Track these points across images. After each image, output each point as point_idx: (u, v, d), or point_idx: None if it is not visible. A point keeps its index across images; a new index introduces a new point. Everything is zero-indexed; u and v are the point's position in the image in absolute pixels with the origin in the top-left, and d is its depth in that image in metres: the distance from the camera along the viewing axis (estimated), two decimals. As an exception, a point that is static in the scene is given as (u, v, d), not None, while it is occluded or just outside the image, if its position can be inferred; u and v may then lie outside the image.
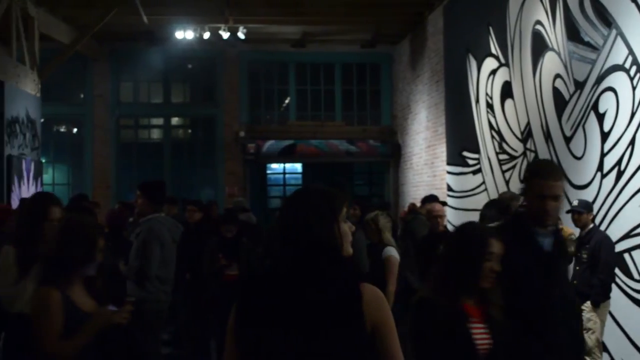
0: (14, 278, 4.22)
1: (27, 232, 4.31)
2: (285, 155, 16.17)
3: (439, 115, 12.87)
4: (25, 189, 11.30)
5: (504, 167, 9.95)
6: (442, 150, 12.65)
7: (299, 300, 2.30)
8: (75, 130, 16.76)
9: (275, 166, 17.72)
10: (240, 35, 13.60)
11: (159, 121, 16.91)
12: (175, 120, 17.13)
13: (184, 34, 13.80)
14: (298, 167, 17.88)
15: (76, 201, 8.04)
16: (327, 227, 2.41)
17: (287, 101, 16.88)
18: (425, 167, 13.90)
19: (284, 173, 17.86)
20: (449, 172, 12.21)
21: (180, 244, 6.53)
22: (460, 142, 11.71)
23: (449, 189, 12.07)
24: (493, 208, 6.77)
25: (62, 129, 16.94)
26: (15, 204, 10.34)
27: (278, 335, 2.29)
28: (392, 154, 16.13)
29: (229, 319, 2.43)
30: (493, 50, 10.35)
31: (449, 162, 12.20)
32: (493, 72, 10.38)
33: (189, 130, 17.46)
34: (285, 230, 2.45)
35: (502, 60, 10.03)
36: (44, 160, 13.74)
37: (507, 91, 9.86)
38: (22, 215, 4.75)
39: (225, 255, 7.66)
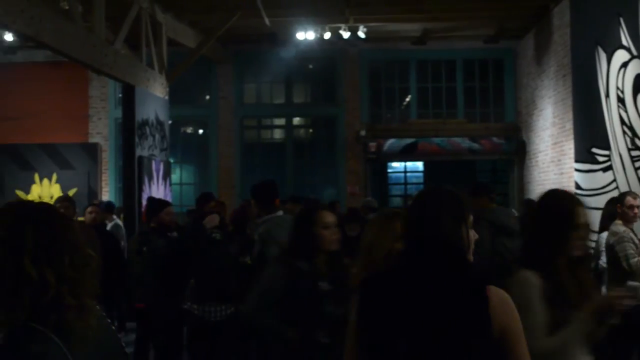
0: None
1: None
2: (406, 154, 16.06)
3: (566, 111, 12.42)
4: (155, 189, 11.72)
5: (637, 164, 9.48)
6: (569, 147, 12.21)
7: (424, 302, 2.26)
8: (201, 131, 17.26)
9: (397, 165, 17.64)
10: (361, 34, 13.62)
11: (281, 121, 17.16)
12: (297, 120, 17.33)
13: (305, 35, 13.94)
14: (419, 165, 17.73)
15: (203, 199, 8.24)
16: (457, 228, 2.39)
17: (408, 99, 16.75)
18: (552, 165, 13.47)
19: (405, 172, 17.75)
20: (577, 170, 11.76)
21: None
22: (589, 138, 11.26)
23: (577, 187, 11.62)
24: (612, 205, 6.57)
25: (189, 130, 17.48)
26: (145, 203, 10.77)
27: (401, 337, 2.25)
28: (516, 152, 15.72)
29: (350, 315, 2.42)
30: (624, 42, 9.88)
31: (577, 160, 11.75)
32: (624, 65, 9.90)
33: (311, 130, 17.62)
34: (414, 228, 2.44)
35: (634, 52, 9.55)
36: (172, 161, 14.23)
37: (639, 85, 9.39)
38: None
39: (348, 254, 7.66)
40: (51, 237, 1.90)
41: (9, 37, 13.58)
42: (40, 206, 2.03)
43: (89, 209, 8.52)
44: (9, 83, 16.45)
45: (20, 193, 15.34)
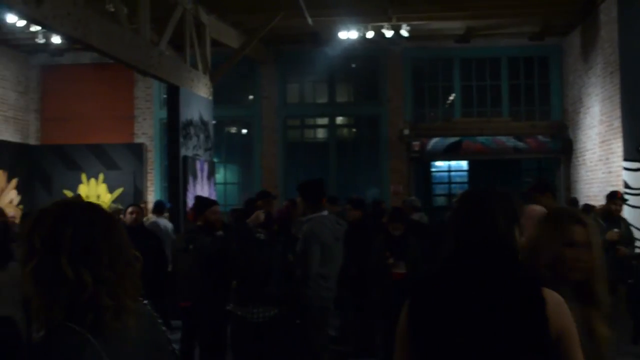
0: None
1: None
2: (450, 153, 15.93)
3: (614, 109, 12.20)
4: (200, 188, 11.82)
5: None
6: (618, 145, 11.99)
7: (480, 306, 2.22)
8: (244, 131, 17.34)
9: (440, 164, 17.51)
10: (404, 32, 13.56)
11: (324, 121, 17.17)
12: (340, 120, 17.32)
13: (348, 34, 13.92)
14: (464, 164, 17.57)
15: (260, 197, 8.32)
16: (511, 229, 2.36)
17: (451, 98, 16.62)
18: (600, 164, 13.24)
19: (449, 171, 17.61)
20: (625, 169, 11.54)
21: (345, 241, 6.58)
22: (639, 136, 11.05)
23: (626, 186, 11.41)
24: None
25: (233, 130, 17.58)
26: (191, 202, 10.85)
27: (458, 342, 2.21)
28: (562, 150, 15.49)
29: (400, 320, 2.37)
30: (674, 38, 9.67)
31: (626, 158, 11.53)
32: (674, 61, 9.69)
33: (354, 129, 17.59)
34: (465, 229, 2.39)
35: (684, 48, 9.35)
36: (216, 161, 14.33)
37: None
38: None
39: (392, 254, 7.64)
40: (91, 237, 1.90)
41: (56, 39, 13.82)
42: (84, 206, 2.02)
43: (130, 209, 8.43)
44: (56, 85, 16.77)
45: (67, 193, 15.59)
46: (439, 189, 17.61)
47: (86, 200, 2.12)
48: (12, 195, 15.34)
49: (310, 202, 6.29)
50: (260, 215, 6.60)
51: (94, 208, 2.03)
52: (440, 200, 16.90)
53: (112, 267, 1.90)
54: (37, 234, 1.90)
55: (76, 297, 1.85)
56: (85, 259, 1.87)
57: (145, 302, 2.16)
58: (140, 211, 8.20)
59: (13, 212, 13.40)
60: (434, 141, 15.77)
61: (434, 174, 17.67)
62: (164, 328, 2.21)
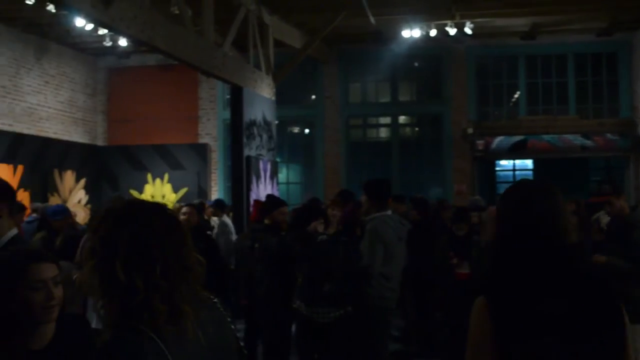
0: None
1: None
2: (515, 152, 15.68)
3: (686, 105, 11.84)
4: (263, 188, 11.89)
5: None
6: (690, 143, 11.63)
7: (566, 303, 2.17)
8: (307, 131, 17.40)
9: (505, 163, 17.26)
10: (467, 30, 13.42)
11: (386, 120, 17.10)
12: (402, 119, 17.23)
13: (411, 33, 13.84)
14: (529, 163, 17.29)
15: (344, 197, 8.32)
16: (568, 224, 2.32)
17: (516, 95, 16.36)
18: (671, 162, 12.86)
19: (514, 170, 17.34)
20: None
21: (409, 241, 6.53)
22: None
23: (699, 184, 11.07)
24: None
25: (295, 130, 17.65)
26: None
27: (551, 342, 2.15)
28: (632, 148, 15.08)
29: (475, 322, 2.28)
30: None
31: (699, 156, 11.18)
32: None
33: (416, 128, 17.47)
34: (529, 227, 2.33)
35: None
36: (279, 160, 14.41)
37: None
38: None
39: (456, 254, 7.57)
40: (147, 243, 1.90)
41: (123, 42, 14.10)
42: (147, 209, 2.01)
43: (183, 209, 7.90)
44: (123, 86, 17.12)
45: (134, 192, 15.90)
46: (504, 189, 17.28)
47: (152, 200, 2.12)
48: (80, 195, 15.72)
49: (376, 201, 6.26)
50: (319, 226, 6.59)
51: (157, 211, 2.02)
52: (505, 200, 16.63)
53: (166, 274, 1.90)
54: (98, 235, 1.93)
55: (129, 300, 1.86)
56: (138, 265, 1.87)
57: (215, 300, 2.17)
58: (194, 212, 7.84)
59: (82, 211, 13.73)
60: (498, 140, 15.54)
61: (498, 173, 17.43)
62: (233, 327, 2.21)
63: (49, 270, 2.64)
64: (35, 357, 2.63)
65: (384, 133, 17.43)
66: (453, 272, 7.55)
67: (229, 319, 2.20)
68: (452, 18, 13.17)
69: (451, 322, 8.04)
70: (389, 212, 6.40)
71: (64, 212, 8.13)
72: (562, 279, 2.22)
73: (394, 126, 16.96)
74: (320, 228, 6.62)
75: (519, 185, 2.57)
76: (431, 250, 7.88)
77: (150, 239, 1.91)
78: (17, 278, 2.60)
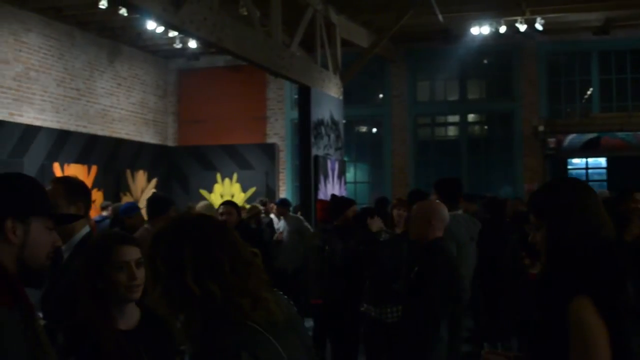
0: None
1: None
2: (588, 149, 15.30)
3: None
4: (330, 187, 11.91)
5: None
6: None
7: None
8: (374, 130, 17.35)
9: (577, 161, 16.87)
10: (538, 26, 13.16)
11: (455, 118, 16.93)
12: (471, 117, 17.03)
13: (480, 30, 13.66)
14: (602, 161, 16.86)
15: (415, 196, 8.24)
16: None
17: (589, 92, 15.97)
18: None
19: (587, 168, 16.94)
20: None
21: (479, 240, 6.44)
22: None
23: None
24: None
25: (363, 129, 17.62)
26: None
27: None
28: None
29: (590, 327, 2.28)
30: None
31: None
32: None
33: (486, 127, 17.25)
34: (598, 227, 2.45)
35: None
36: (346, 160, 14.40)
37: None
38: None
39: (528, 254, 7.42)
40: (209, 250, 1.96)
41: (192, 44, 14.31)
42: (196, 220, 2.09)
43: (221, 209, 7.38)
44: (193, 88, 17.37)
45: (203, 192, 16.12)
46: (576, 188, 16.96)
47: (207, 206, 2.20)
48: (152, 195, 16.01)
49: (447, 200, 6.19)
50: (374, 225, 6.54)
51: (205, 220, 2.10)
52: (578, 199, 16.26)
53: (235, 271, 1.96)
54: (158, 257, 1.98)
55: (210, 306, 1.91)
56: (209, 272, 1.93)
57: (282, 294, 2.21)
58: (233, 212, 7.22)
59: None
60: (570, 137, 15.20)
61: (570, 171, 17.04)
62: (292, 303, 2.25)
63: (132, 253, 2.88)
64: (123, 336, 2.80)
65: (452, 131, 17.26)
66: (525, 272, 7.40)
67: (292, 305, 2.24)
68: (522, 14, 12.95)
69: (523, 324, 7.90)
70: (460, 212, 6.32)
71: (135, 209, 8.28)
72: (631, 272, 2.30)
73: (462, 124, 16.77)
74: (375, 227, 6.58)
75: (575, 184, 2.64)
76: (502, 251, 7.74)
77: (210, 246, 1.97)
78: (103, 258, 2.85)
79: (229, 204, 7.32)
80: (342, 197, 8.35)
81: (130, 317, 2.90)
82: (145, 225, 6.52)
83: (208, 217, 2.13)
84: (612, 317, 2.27)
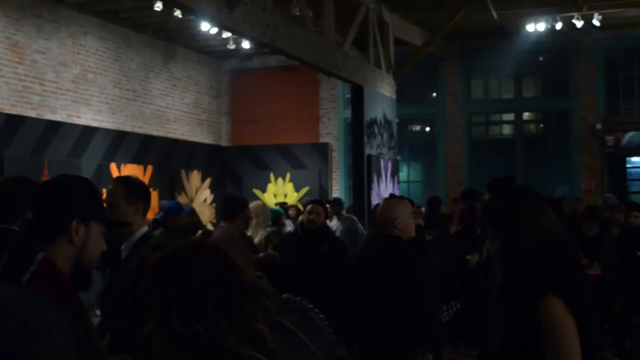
0: None
1: None
2: (647, 147, 14.99)
3: None
4: (384, 187, 11.87)
5: None
6: None
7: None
8: (428, 129, 17.25)
9: (636, 159, 16.51)
10: (595, 22, 12.90)
11: (510, 117, 16.72)
12: (526, 115, 16.79)
13: (535, 27, 13.46)
14: (662, 160, 16.49)
15: (467, 196, 8.17)
16: None
17: (648, 89, 15.63)
18: None
19: (646, 166, 16.59)
20: None
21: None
22: None
23: None
24: None
25: (416, 128, 17.52)
26: (375, 201, 10.92)
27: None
28: None
29: (565, 325, 2.46)
30: None
31: None
32: None
33: (541, 125, 17.00)
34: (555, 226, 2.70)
35: None
36: (399, 159, 14.34)
37: None
38: None
39: (585, 254, 7.29)
40: (193, 288, 1.89)
41: (246, 44, 14.41)
42: (184, 256, 1.98)
43: (309, 207, 6.92)
44: (246, 88, 17.51)
45: (257, 191, 16.22)
46: (635, 186, 16.62)
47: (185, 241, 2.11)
48: (206, 194, 16.20)
49: None
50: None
51: (195, 252, 2.00)
52: (636, 198, 15.92)
53: (221, 307, 1.87)
54: (149, 298, 1.93)
55: (197, 343, 1.85)
56: (193, 312, 1.85)
57: (302, 302, 2.15)
58: (322, 212, 6.88)
59: (208, 210, 14.14)
60: (629, 135, 14.90)
61: (629, 170, 16.68)
62: (316, 311, 2.18)
63: None
64: None
65: (507, 130, 17.05)
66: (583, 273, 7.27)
67: (323, 317, 2.17)
68: (579, 10, 12.72)
69: (581, 324, 7.76)
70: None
71: (180, 209, 8.34)
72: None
73: (517, 123, 16.56)
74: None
75: (524, 193, 2.93)
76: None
77: (195, 282, 1.89)
78: (143, 267, 2.76)
79: (317, 203, 7.11)
80: (398, 197, 8.30)
81: None
82: (221, 224, 6.61)
83: (198, 247, 2.03)
84: (579, 313, 2.47)
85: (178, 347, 1.87)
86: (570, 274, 2.64)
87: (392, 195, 8.41)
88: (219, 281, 1.92)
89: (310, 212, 6.84)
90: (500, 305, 2.78)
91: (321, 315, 2.14)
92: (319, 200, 7.74)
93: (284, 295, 2.11)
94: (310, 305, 2.14)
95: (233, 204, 6.52)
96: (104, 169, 12.98)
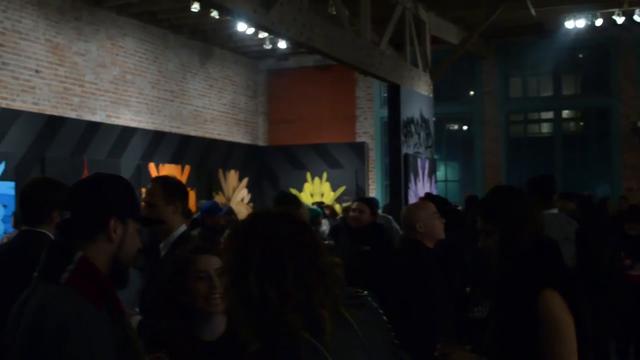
0: None
1: None
2: (691, 146, 14.69)
3: None
4: (421, 186, 11.81)
5: None
6: None
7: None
8: (465, 127, 17.13)
9: (679, 158, 16.22)
10: (637, 18, 12.71)
11: (548, 115, 16.52)
12: (566, 113, 16.58)
13: (574, 23, 13.29)
14: None
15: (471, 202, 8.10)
16: None
17: (692, 86, 15.32)
18: None
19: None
20: None
21: (576, 241, 6.26)
22: None
23: None
24: None
25: (453, 127, 17.42)
26: (412, 200, 10.87)
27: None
28: None
29: (563, 319, 2.58)
30: None
31: None
32: None
33: (581, 123, 16.77)
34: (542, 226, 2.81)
35: None
36: (436, 158, 14.26)
37: None
38: None
39: (628, 255, 7.18)
40: (278, 254, 1.88)
41: (282, 44, 14.45)
42: (274, 219, 1.99)
43: (355, 205, 6.87)
44: (282, 88, 17.56)
45: (294, 191, 16.22)
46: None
47: (293, 197, 2.13)
48: (243, 194, 16.28)
49: (541, 198, 6.03)
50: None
51: (284, 220, 2.00)
52: (680, 197, 15.64)
53: (299, 282, 1.87)
54: (230, 251, 1.94)
55: (264, 312, 1.85)
56: (271, 277, 1.85)
57: (367, 297, 2.14)
58: (366, 210, 6.70)
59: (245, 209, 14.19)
60: (674, 134, 14.62)
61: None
62: (385, 318, 2.17)
63: (213, 262, 2.78)
64: (207, 347, 2.75)
65: (546, 128, 16.85)
66: (625, 274, 7.16)
67: (381, 312, 2.16)
68: (619, 6, 12.52)
69: (623, 327, 7.65)
70: (555, 211, 6.15)
71: (217, 209, 8.37)
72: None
73: (556, 121, 16.35)
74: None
75: (518, 192, 3.09)
76: (601, 251, 7.51)
77: (280, 250, 1.89)
78: (185, 269, 2.80)
79: (363, 201, 6.99)
80: (439, 197, 8.24)
81: (216, 327, 2.82)
82: None
83: (289, 217, 2.02)
84: (575, 307, 2.60)
85: (247, 312, 1.88)
86: (565, 270, 2.91)
87: (427, 194, 8.33)
88: (302, 255, 1.92)
89: (353, 210, 6.78)
90: (496, 300, 2.91)
91: (384, 317, 2.14)
92: (365, 198, 7.66)
93: (352, 289, 2.10)
94: (376, 305, 2.14)
95: (284, 200, 6.45)
96: (142, 169, 13.11)
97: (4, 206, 10.25)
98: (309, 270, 1.90)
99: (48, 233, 3.32)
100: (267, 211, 2.05)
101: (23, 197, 3.53)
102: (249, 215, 2.03)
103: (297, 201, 6.52)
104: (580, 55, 16.02)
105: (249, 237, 1.92)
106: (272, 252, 1.88)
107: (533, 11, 12.12)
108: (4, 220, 10.22)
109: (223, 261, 2.01)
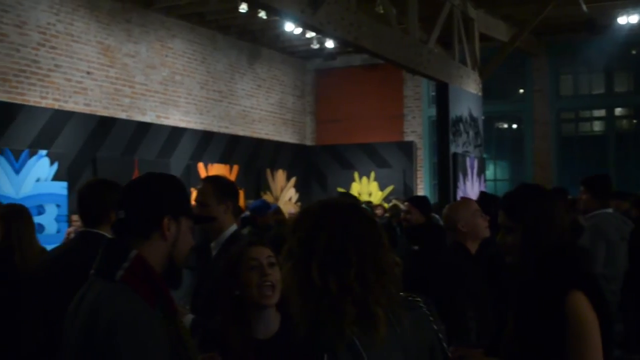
0: None
1: None
2: None
3: None
4: (470, 185, 11.70)
5: None
6: None
7: None
8: (515, 126, 16.92)
9: None
10: (692, 12, 12.41)
11: (600, 113, 16.22)
12: (619, 111, 16.26)
13: (627, 19, 13.03)
14: None
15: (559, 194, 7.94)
16: None
17: None
18: None
19: None
20: None
21: (631, 240, 6.14)
22: None
23: None
24: None
25: (502, 126, 17.22)
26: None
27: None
28: None
29: (589, 321, 2.53)
30: None
31: None
32: None
33: (634, 121, 16.42)
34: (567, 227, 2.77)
35: None
36: (486, 157, 14.12)
37: None
38: None
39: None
40: (343, 245, 1.88)
41: (329, 44, 14.45)
42: (343, 209, 2.00)
43: (406, 205, 6.78)
44: (330, 88, 17.56)
45: (341, 190, 16.22)
46: None
47: (352, 198, 2.13)
48: (291, 193, 16.32)
49: (599, 198, 5.93)
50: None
51: (353, 212, 2.00)
52: None
53: (360, 276, 1.88)
54: (296, 236, 1.94)
55: (322, 301, 1.86)
56: (334, 268, 1.86)
57: (418, 300, 2.12)
58: (415, 212, 6.56)
59: (293, 209, 14.23)
60: None
61: None
62: (436, 327, 2.15)
63: (264, 252, 2.84)
64: (260, 345, 2.75)
65: (598, 126, 16.54)
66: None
67: (432, 319, 2.13)
68: (674, 0, 12.25)
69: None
70: (610, 210, 6.03)
71: (267, 207, 8.40)
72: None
73: (609, 119, 16.04)
74: None
75: (543, 192, 2.95)
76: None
77: (346, 242, 1.89)
78: (237, 262, 2.84)
79: (411, 201, 6.89)
80: (491, 195, 8.13)
81: (270, 324, 2.81)
82: None
83: (359, 210, 2.03)
84: (601, 309, 2.56)
85: (304, 298, 1.89)
86: (590, 273, 2.92)
87: (482, 193, 8.22)
88: (367, 249, 1.92)
89: (406, 212, 6.73)
90: (517, 301, 2.81)
91: (436, 325, 2.12)
92: (414, 197, 7.59)
93: (404, 293, 2.10)
94: (427, 311, 2.11)
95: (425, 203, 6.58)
96: (192, 169, 13.24)
97: (57, 206, 10.44)
98: (371, 267, 1.91)
99: (106, 234, 3.36)
100: (338, 201, 2.05)
101: (80, 199, 3.58)
102: (319, 202, 2.02)
103: (356, 201, 6.51)
104: (634, 52, 15.69)
105: (317, 226, 1.93)
106: (338, 243, 1.89)
107: (584, 7, 11.91)
108: (57, 220, 10.42)
109: (287, 244, 2.00)
